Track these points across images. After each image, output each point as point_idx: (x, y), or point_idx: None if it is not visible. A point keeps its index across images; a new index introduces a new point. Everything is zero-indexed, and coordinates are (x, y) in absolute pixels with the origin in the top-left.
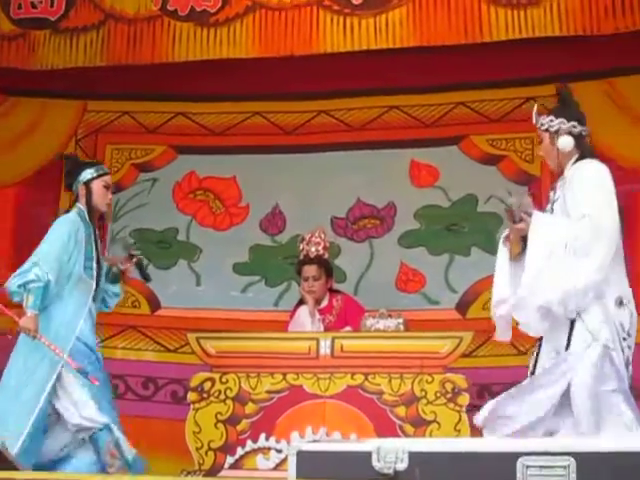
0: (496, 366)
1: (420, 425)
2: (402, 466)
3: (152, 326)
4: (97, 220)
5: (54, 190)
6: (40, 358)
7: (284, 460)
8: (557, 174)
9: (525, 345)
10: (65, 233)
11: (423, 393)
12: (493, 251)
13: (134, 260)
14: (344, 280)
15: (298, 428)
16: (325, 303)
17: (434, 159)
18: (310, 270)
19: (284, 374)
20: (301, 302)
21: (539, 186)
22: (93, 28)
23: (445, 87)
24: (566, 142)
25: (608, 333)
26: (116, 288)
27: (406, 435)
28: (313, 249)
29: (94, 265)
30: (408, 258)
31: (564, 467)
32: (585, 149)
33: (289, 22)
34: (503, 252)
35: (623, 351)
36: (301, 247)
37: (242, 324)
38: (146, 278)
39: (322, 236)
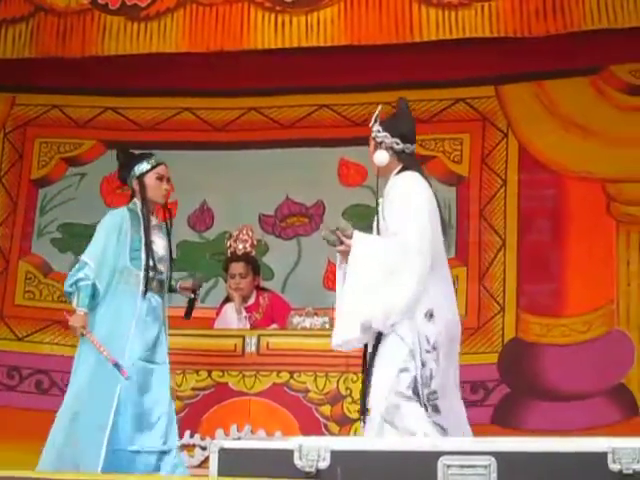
0: None
1: (345, 423)
2: (324, 464)
3: None
4: (159, 211)
5: None
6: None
7: (208, 457)
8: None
9: None
10: (105, 229)
11: (348, 392)
12: None
13: (191, 296)
14: (272, 277)
15: (223, 425)
16: (252, 301)
17: (363, 158)
18: (237, 267)
19: (209, 371)
20: (228, 299)
21: (467, 186)
22: (22, 20)
23: (375, 86)
24: (380, 157)
25: (414, 340)
26: None
27: (331, 433)
28: (240, 246)
29: (142, 255)
30: (336, 256)
31: (485, 466)
32: (407, 163)
33: (220, 18)
34: (339, 277)
35: (425, 364)
36: (228, 244)
37: (168, 320)
38: (187, 315)
39: (250, 233)
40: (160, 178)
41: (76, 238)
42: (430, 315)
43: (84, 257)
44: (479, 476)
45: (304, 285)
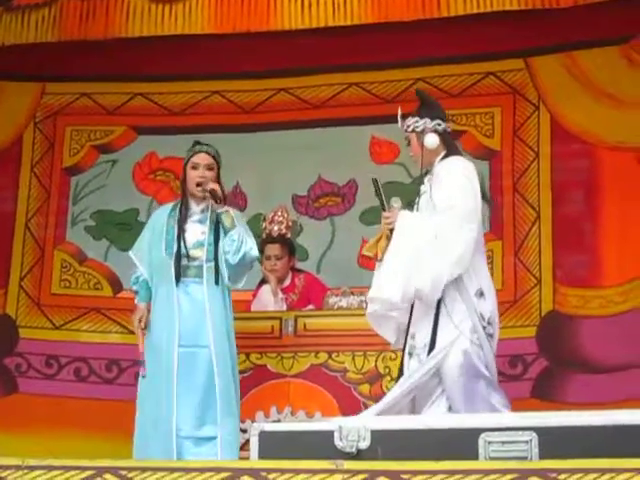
0: None
1: None
2: (365, 444)
3: (114, 308)
4: (210, 198)
5: (13, 175)
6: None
7: (249, 440)
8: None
9: None
10: (146, 225)
11: (387, 370)
12: None
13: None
14: (306, 258)
15: (263, 408)
16: (288, 282)
17: (394, 136)
18: (273, 249)
19: (247, 354)
20: (263, 281)
21: (500, 160)
22: (45, 5)
23: (404, 63)
24: (432, 140)
25: (472, 325)
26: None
27: None
28: (275, 228)
29: (174, 244)
30: (370, 235)
31: (526, 442)
32: (451, 146)
33: None
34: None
35: (485, 341)
36: (263, 226)
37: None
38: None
39: (285, 215)
40: (195, 167)
41: (109, 225)
42: (481, 293)
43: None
44: (521, 452)
45: (339, 265)
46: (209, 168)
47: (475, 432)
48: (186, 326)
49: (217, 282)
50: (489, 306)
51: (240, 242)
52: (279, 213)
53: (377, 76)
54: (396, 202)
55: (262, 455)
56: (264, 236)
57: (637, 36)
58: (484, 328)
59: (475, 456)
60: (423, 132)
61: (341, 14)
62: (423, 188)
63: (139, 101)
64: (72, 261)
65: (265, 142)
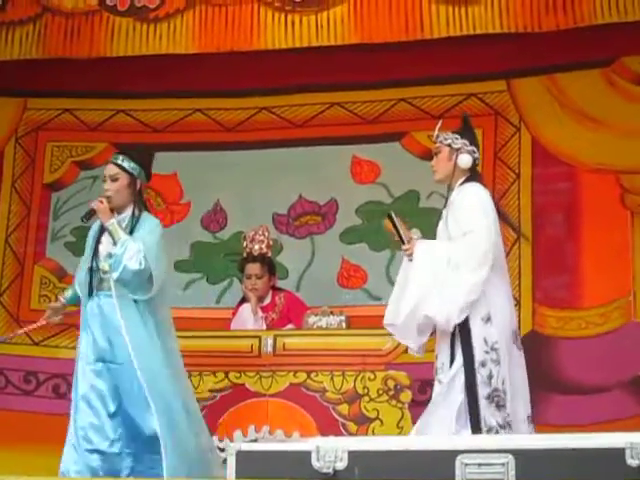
0: None
1: (363, 423)
2: (341, 465)
3: None
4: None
5: None
6: None
7: (226, 459)
8: (446, 186)
9: None
10: None
11: (365, 390)
12: None
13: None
14: (286, 276)
15: (241, 427)
16: (268, 301)
17: (376, 155)
18: (253, 268)
19: (226, 372)
20: (243, 300)
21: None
22: (29, 21)
23: (386, 83)
24: (466, 160)
25: (477, 350)
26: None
27: (349, 433)
28: (256, 247)
29: (91, 259)
30: (350, 254)
31: (503, 464)
32: (475, 173)
33: (229, 18)
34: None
35: (484, 364)
36: (244, 245)
37: (184, 322)
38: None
39: (265, 234)
40: (104, 179)
41: None
42: (488, 318)
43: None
44: (497, 474)
45: (318, 284)
46: (113, 179)
47: (452, 454)
48: (98, 342)
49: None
50: (494, 331)
51: (118, 257)
52: (260, 232)
53: (359, 96)
54: (415, 233)
55: (239, 475)
56: (245, 255)
57: (618, 59)
58: (486, 353)
59: (452, 478)
60: (458, 150)
61: (324, 34)
62: (443, 213)
63: (121, 118)
64: (52, 277)
65: (246, 160)
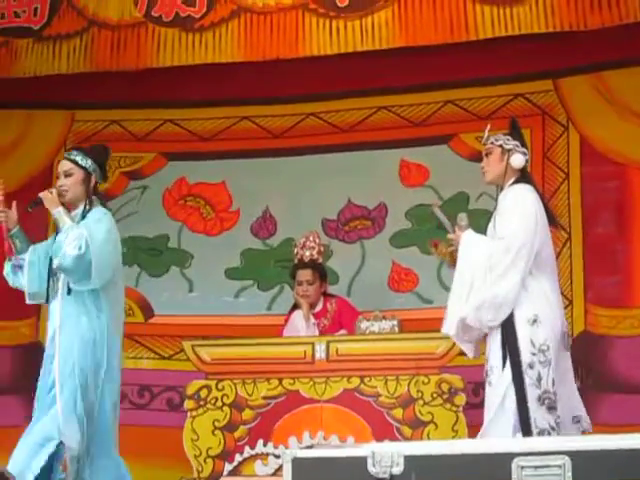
0: None
1: (417, 427)
2: (398, 470)
3: (146, 334)
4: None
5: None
6: None
7: (282, 466)
8: (496, 187)
9: None
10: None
11: (419, 394)
12: None
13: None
14: (336, 282)
15: (295, 433)
16: (319, 307)
17: (424, 158)
18: (304, 274)
19: (280, 379)
20: (295, 306)
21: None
22: (76, 35)
23: (433, 86)
24: (519, 160)
25: (522, 352)
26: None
27: (404, 437)
28: (307, 253)
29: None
30: (400, 258)
31: (559, 466)
32: (525, 174)
33: (274, 26)
34: None
35: (532, 366)
36: (295, 251)
37: (236, 329)
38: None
39: (316, 240)
40: (58, 176)
41: (140, 251)
42: (534, 320)
43: None
44: (554, 476)
45: (369, 288)
46: (67, 175)
47: (508, 457)
48: (47, 341)
49: (69, 292)
50: (542, 332)
51: (59, 244)
52: (311, 238)
53: (406, 99)
54: (462, 220)
55: None
56: (296, 261)
57: None
58: (533, 354)
59: None
60: (510, 151)
61: (369, 39)
62: (493, 213)
63: (168, 127)
64: None
65: (294, 166)
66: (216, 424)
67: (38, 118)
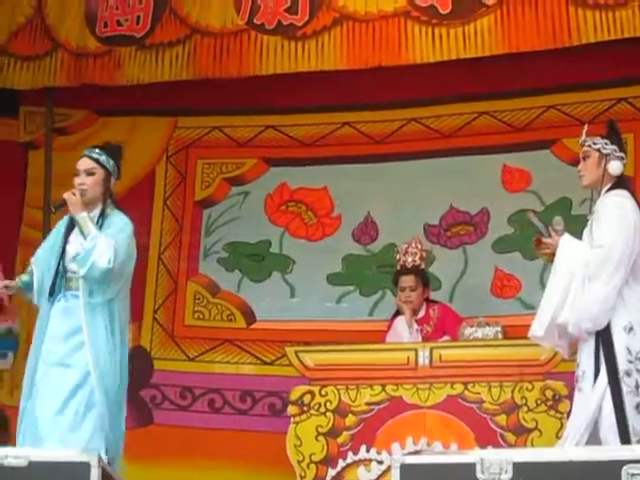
0: None
1: (521, 433)
2: (506, 477)
3: (248, 339)
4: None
5: (146, 208)
6: None
7: (385, 471)
8: (592, 190)
9: None
10: (50, 234)
11: (523, 401)
12: None
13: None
14: (439, 287)
15: (399, 439)
16: (422, 313)
17: (526, 163)
18: (407, 280)
19: (383, 385)
20: (398, 312)
21: (633, 186)
22: (179, 43)
23: (534, 91)
24: (618, 167)
25: (619, 360)
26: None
27: (508, 444)
28: (410, 259)
29: (59, 257)
30: (503, 263)
31: None
32: (622, 180)
33: (377, 33)
34: None
35: (629, 374)
36: (398, 257)
37: (337, 335)
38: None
39: (419, 246)
40: (76, 173)
41: (242, 257)
42: (630, 328)
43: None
44: None
45: (472, 294)
46: (89, 173)
47: (618, 464)
48: (56, 343)
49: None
50: (639, 341)
51: (86, 253)
52: (413, 244)
53: (508, 104)
54: (558, 224)
55: None
56: (398, 267)
57: None
58: (630, 362)
59: None
60: (608, 156)
61: (472, 45)
62: (589, 218)
63: (270, 133)
64: (205, 293)
65: (396, 172)
66: (319, 430)
67: (141, 125)
